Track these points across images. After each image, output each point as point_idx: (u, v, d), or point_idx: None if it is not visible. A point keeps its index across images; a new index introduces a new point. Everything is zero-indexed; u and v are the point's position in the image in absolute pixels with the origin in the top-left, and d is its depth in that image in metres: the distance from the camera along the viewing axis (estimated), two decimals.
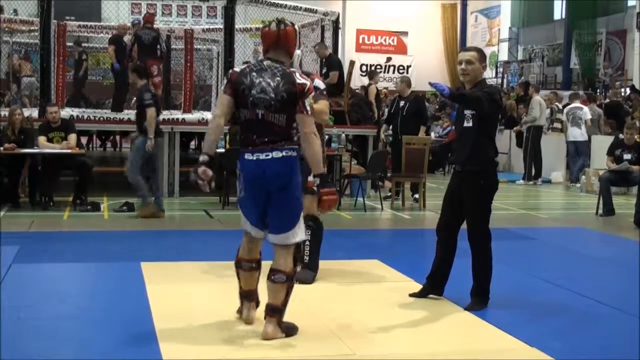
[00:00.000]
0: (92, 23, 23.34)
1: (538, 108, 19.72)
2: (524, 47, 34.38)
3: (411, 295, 7.50)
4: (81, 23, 21.78)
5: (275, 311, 6.11)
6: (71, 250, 9.95)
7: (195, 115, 16.95)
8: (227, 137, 14.56)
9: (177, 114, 16.38)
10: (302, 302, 7.12)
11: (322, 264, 8.12)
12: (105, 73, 30.81)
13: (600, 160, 16.60)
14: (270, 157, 6.01)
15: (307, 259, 8.20)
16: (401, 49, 36.71)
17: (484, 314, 6.98)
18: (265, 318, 6.14)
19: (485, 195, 7.29)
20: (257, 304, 6.52)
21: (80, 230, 11.49)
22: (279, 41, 6.22)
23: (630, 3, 28.60)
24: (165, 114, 16.17)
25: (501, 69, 34.56)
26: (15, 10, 20.21)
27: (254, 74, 6.10)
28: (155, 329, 6.40)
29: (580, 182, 18.64)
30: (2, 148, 13.27)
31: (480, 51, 7.37)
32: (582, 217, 14.36)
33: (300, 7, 17.94)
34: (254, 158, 6.05)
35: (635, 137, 14.88)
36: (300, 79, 6.08)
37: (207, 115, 17.18)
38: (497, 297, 7.87)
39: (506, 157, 22.90)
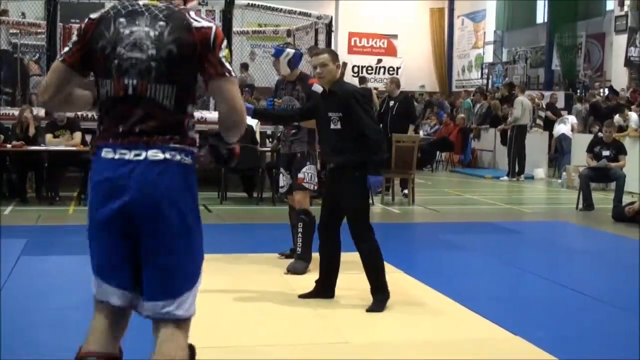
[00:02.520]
0: None
1: (520, 108, 19.76)
2: (508, 49, 34.40)
3: (300, 296, 7.06)
4: None
5: None
6: (76, 243, 9.87)
7: (195, 114, 16.93)
8: None
9: None
10: (294, 291, 7.19)
11: (315, 255, 8.12)
12: None
13: (580, 157, 16.64)
14: (143, 157, 3.41)
15: (300, 250, 8.10)
16: (391, 51, 36.69)
17: (470, 304, 6.99)
18: None
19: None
20: None
21: (84, 224, 11.45)
22: None
23: (609, 7, 28.66)
24: None
25: (486, 71, 34.57)
26: (23, 13, 20.16)
27: (122, 19, 3.49)
28: None
29: (562, 178, 18.72)
30: (10, 146, 13.31)
31: (331, 52, 7.14)
32: (563, 212, 14.42)
33: (295, 11, 17.95)
34: (116, 157, 3.43)
35: (614, 135, 14.94)
36: (198, 20, 3.52)
37: (206, 114, 17.13)
38: (482, 288, 7.91)
39: (491, 154, 22.95)
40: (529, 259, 9.61)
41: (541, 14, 32.53)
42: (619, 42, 27.45)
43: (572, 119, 20.99)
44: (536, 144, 20.49)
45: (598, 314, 7.02)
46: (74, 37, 3.62)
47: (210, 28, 3.50)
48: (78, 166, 13.71)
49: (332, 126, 6.81)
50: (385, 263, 6.91)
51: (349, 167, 6.73)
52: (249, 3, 17.05)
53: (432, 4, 37.63)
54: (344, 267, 7.08)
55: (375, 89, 26.71)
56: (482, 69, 35.30)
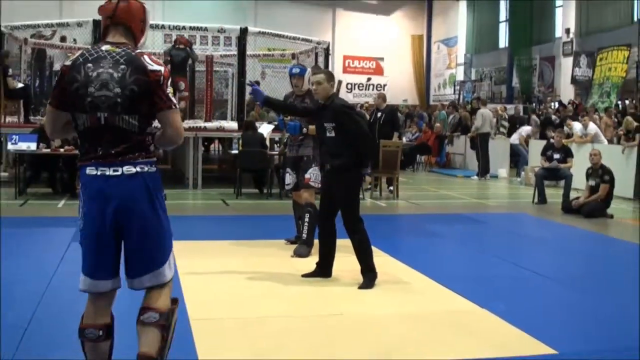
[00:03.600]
0: None
1: (480, 119, 19.78)
2: (476, 69, 34.41)
3: (303, 275, 7.08)
4: None
5: None
6: None
7: (214, 124, 16.92)
8: (240, 141, 14.57)
9: (200, 123, 16.37)
10: (298, 271, 7.20)
11: (316, 242, 8.10)
12: None
13: (535, 160, 16.64)
14: (119, 173, 3.73)
15: (305, 236, 8.06)
16: (379, 71, 36.69)
17: (445, 282, 6.99)
18: None
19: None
20: None
21: None
22: (116, 15, 3.83)
23: (557, 34, 28.73)
24: (190, 123, 16.19)
25: (458, 87, 34.57)
26: (74, 40, 20.20)
27: (90, 64, 3.71)
28: (182, 291, 6.43)
29: (521, 177, 18.74)
30: (62, 150, 13.35)
31: (327, 73, 7.20)
32: (522, 205, 14.40)
33: (298, 37, 17.98)
34: (99, 173, 3.74)
35: (563, 140, 14.95)
36: (152, 64, 3.74)
37: (224, 123, 17.16)
38: (455, 269, 7.91)
39: (462, 157, 22.94)
40: (493, 244, 9.61)
41: (503, 40, 32.57)
42: (566, 63, 27.49)
43: (526, 130, 20.96)
44: (500, 148, 20.48)
45: (550, 290, 7.02)
46: (56, 84, 3.86)
47: (160, 71, 3.76)
48: None
49: (327, 134, 6.89)
50: (374, 248, 6.91)
51: (343, 169, 6.78)
52: (260, 31, 17.12)
53: (413, 31, 37.66)
54: (339, 252, 7.09)
55: (366, 102, 26.72)
56: (454, 85, 35.34)
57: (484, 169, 19.72)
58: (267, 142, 14.68)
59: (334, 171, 6.86)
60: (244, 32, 16.37)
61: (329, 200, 6.99)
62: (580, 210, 12.46)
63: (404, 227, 11.84)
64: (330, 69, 17.29)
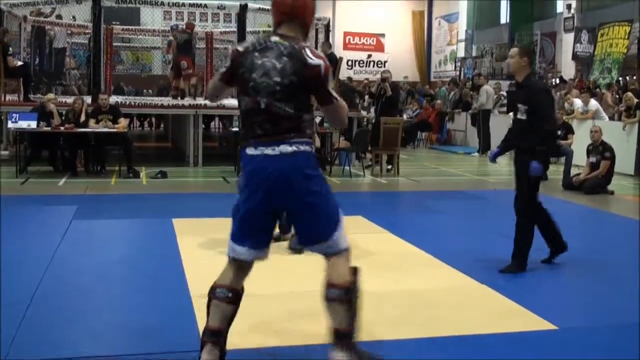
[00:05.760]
0: (133, 27, 23.26)
1: (485, 95, 19.74)
2: (477, 45, 34.25)
3: (543, 261, 7.00)
4: (124, 27, 21.73)
5: (342, 337, 4.04)
6: (118, 209, 9.99)
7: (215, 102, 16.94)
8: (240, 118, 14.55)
9: (200, 100, 16.37)
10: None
11: None
12: (143, 67, 30.81)
13: None
14: (277, 152, 3.94)
15: None
16: (379, 48, 36.54)
17: (445, 259, 7.02)
18: (332, 345, 4.06)
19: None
20: (223, 353, 4.12)
21: (124, 193, 11.53)
22: (293, 11, 4.04)
23: (559, 10, 28.61)
24: (190, 100, 16.20)
25: (459, 64, 34.45)
26: (73, 17, 20.15)
27: (257, 53, 3.99)
28: (184, 268, 6.48)
29: None
30: (63, 128, 13.37)
31: (522, 48, 7.00)
32: None
33: None
34: (258, 152, 3.97)
35: (563, 117, 14.94)
36: (312, 59, 3.93)
37: (224, 101, 17.12)
38: (455, 246, 7.93)
39: (463, 134, 22.93)
40: (493, 221, 9.62)
41: (504, 16, 32.44)
42: (567, 39, 27.37)
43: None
44: (501, 125, 20.41)
45: (550, 266, 7.03)
46: (227, 62, 4.18)
47: (320, 65, 3.95)
48: (118, 145, 13.78)
49: (519, 116, 6.79)
50: (373, 224, 6.92)
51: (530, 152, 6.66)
52: (259, 7, 17.03)
53: (414, 7, 37.44)
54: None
55: (366, 79, 26.66)
56: (455, 62, 35.18)
57: (484, 146, 19.71)
58: None
59: (521, 153, 6.77)
60: (243, 8, 16.33)
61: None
62: (581, 186, 12.48)
63: (404, 204, 11.86)
64: (330, 45, 17.22)
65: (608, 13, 25.14)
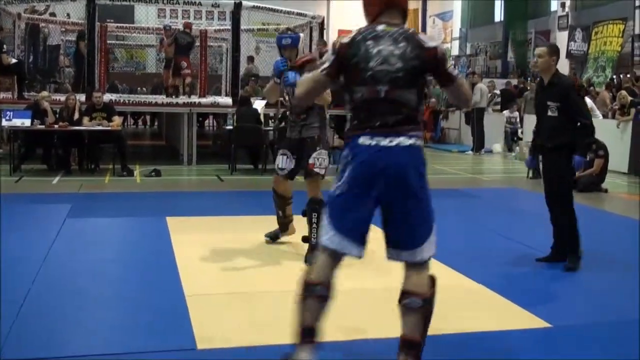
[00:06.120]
0: (127, 24, 23.24)
1: (479, 93, 19.77)
2: (471, 44, 34.35)
3: (538, 260, 7.06)
4: (118, 24, 21.71)
5: (413, 347, 3.92)
6: (112, 207, 9.97)
7: (209, 99, 16.91)
8: (235, 117, 14.56)
9: (194, 98, 16.36)
10: (293, 247, 7.20)
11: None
12: (137, 65, 30.79)
13: (531, 134, 16.64)
14: (395, 144, 3.78)
15: (315, 240, 6.67)
16: None
17: (440, 257, 7.00)
18: (399, 355, 3.93)
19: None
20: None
21: (118, 192, 11.51)
22: (394, 1, 4.02)
23: (553, 8, 28.69)
24: (185, 98, 16.18)
25: (453, 62, 34.48)
26: (68, 14, 20.12)
27: (370, 42, 3.86)
28: (177, 267, 6.47)
29: (515, 151, 18.77)
30: (57, 126, 13.35)
31: (550, 46, 7.04)
32: (516, 180, 14.43)
33: (293, 12, 17.91)
34: (373, 143, 3.78)
35: None
36: (428, 42, 3.88)
37: (219, 99, 17.15)
38: (449, 245, 7.91)
39: (457, 132, 22.97)
40: (488, 219, 9.63)
41: (498, 14, 32.49)
42: (562, 37, 27.45)
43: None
44: (494, 123, 20.47)
45: (544, 264, 7.01)
46: (330, 56, 3.96)
47: (436, 47, 3.88)
48: (112, 143, 13.77)
49: (550, 113, 6.77)
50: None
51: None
52: (254, 5, 17.01)
53: (408, 4, 37.45)
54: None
55: None
56: (450, 60, 35.27)
57: (479, 144, 19.74)
58: (262, 118, 14.67)
59: (554, 150, 6.82)
60: (238, 6, 16.30)
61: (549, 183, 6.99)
62: (574, 184, 12.48)
63: None
64: (325, 43, 17.21)
65: (602, 11, 25.21)
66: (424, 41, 3.86)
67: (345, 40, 3.95)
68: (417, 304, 3.88)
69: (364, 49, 3.85)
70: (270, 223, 7.73)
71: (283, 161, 7.20)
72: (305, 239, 6.94)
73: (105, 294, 5.80)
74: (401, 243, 3.92)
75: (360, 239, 3.92)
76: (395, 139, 3.78)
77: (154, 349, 4.46)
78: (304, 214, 6.93)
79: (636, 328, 5.03)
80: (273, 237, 7.67)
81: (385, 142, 3.78)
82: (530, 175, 14.09)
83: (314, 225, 6.78)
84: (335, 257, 3.93)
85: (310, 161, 6.93)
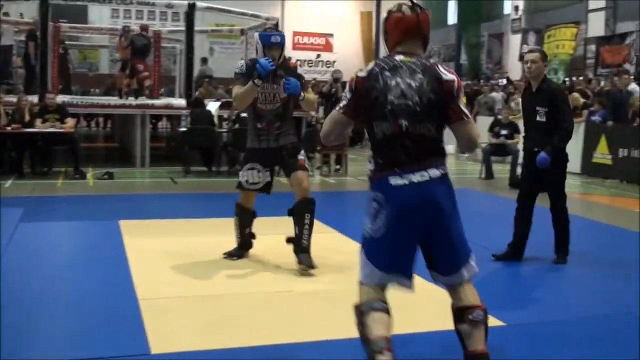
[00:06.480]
0: (80, 25, 23.03)
1: None
2: None
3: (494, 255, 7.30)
4: (72, 25, 21.50)
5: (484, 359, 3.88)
6: (64, 211, 9.87)
7: (162, 101, 16.85)
8: (189, 119, 14.52)
9: (147, 100, 16.25)
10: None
11: (271, 220, 7.60)
12: (90, 66, 30.52)
13: (483, 136, 16.80)
14: (427, 178, 3.76)
15: (306, 242, 6.67)
16: (328, 48, 36.64)
17: None
18: None
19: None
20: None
21: (71, 195, 11.40)
22: (418, 29, 3.89)
23: (506, 11, 28.98)
24: (140, 100, 16.08)
25: None
26: (21, 14, 19.88)
27: (387, 73, 3.78)
28: (130, 271, 6.43)
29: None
30: (9, 128, 13.19)
31: (542, 52, 7.14)
32: (469, 180, 14.54)
33: (247, 13, 17.89)
34: (407, 182, 3.74)
35: (510, 117, 15.15)
36: (446, 74, 3.80)
37: (172, 100, 17.10)
38: None
39: None
40: None
41: (452, 16, 32.75)
42: (515, 40, 27.80)
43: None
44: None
45: (497, 264, 7.16)
46: (347, 93, 3.89)
47: (454, 81, 3.79)
48: (65, 145, 13.63)
49: (538, 118, 6.98)
50: (322, 224, 6.89)
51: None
52: (207, 6, 16.95)
53: (362, 7, 37.57)
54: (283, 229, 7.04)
55: (313, 79, 26.72)
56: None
57: None
58: (216, 119, 14.63)
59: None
60: (192, 7, 16.24)
61: (532, 184, 7.29)
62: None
63: (352, 204, 11.89)
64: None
65: (555, 15, 25.54)
66: (442, 73, 3.79)
67: (362, 74, 3.87)
68: (481, 315, 3.92)
69: (383, 82, 3.78)
70: (225, 226, 7.63)
71: (254, 175, 6.71)
72: (290, 240, 6.73)
73: (58, 299, 5.74)
74: (448, 267, 3.98)
75: (408, 274, 3.99)
76: (425, 173, 3.77)
77: (108, 354, 4.42)
78: (290, 214, 6.70)
79: (590, 325, 5.11)
80: (239, 256, 7.13)
81: (416, 178, 3.75)
82: (483, 175, 14.25)
83: (306, 226, 6.63)
84: (380, 289, 4.00)
85: (301, 157, 6.70)
